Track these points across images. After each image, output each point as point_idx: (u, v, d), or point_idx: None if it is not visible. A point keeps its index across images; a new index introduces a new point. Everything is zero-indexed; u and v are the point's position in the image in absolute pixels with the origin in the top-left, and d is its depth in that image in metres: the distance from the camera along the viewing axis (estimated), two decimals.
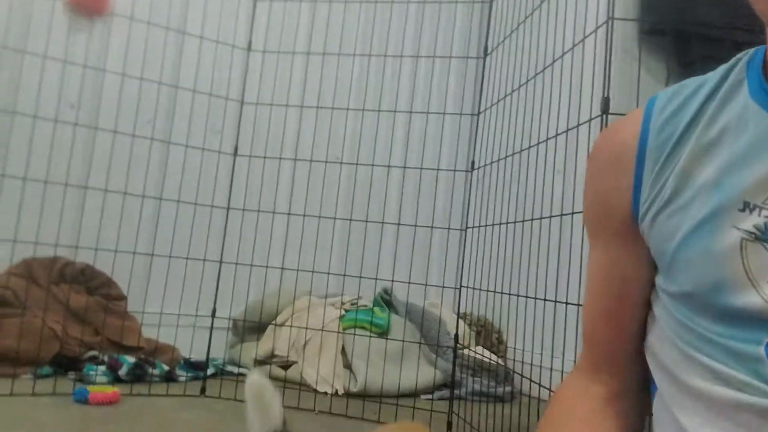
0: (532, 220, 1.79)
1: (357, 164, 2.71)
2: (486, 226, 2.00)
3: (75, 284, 2.43)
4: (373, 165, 2.62)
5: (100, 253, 2.29)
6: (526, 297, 1.63)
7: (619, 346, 0.71)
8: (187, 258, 2.34)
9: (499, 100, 2.00)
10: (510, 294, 1.74)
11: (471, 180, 2.19)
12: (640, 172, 0.65)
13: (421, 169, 2.69)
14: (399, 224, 2.42)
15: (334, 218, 2.56)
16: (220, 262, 2.25)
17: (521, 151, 1.79)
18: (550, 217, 1.66)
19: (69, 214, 2.41)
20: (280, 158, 2.57)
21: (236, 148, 2.43)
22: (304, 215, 2.47)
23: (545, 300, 1.49)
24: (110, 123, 2.61)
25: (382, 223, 2.51)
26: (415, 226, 2.39)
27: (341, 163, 2.85)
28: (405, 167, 2.60)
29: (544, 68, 1.71)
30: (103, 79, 2.66)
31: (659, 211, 0.62)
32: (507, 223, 1.86)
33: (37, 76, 2.52)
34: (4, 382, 1.93)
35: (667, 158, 0.62)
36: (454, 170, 2.79)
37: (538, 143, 1.67)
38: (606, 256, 0.71)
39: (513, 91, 1.92)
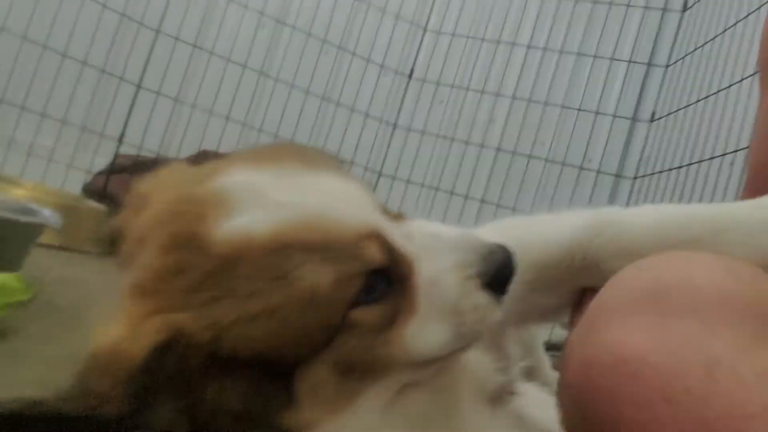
0: (711, 158, 1.88)
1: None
2: (662, 171, 2.11)
3: None
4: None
5: None
6: None
7: None
8: None
9: (696, 48, 2.11)
10: None
11: (649, 130, 2.31)
12: None
13: (596, 114, 2.80)
14: (563, 164, 2.57)
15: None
16: None
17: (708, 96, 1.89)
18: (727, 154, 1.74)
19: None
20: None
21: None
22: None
23: None
24: None
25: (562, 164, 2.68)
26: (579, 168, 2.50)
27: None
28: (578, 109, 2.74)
29: (748, 14, 1.80)
30: None
31: None
32: (682, 166, 1.96)
33: None
34: None
35: None
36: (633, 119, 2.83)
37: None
38: None
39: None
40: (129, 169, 2.44)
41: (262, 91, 2.97)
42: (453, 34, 3.10)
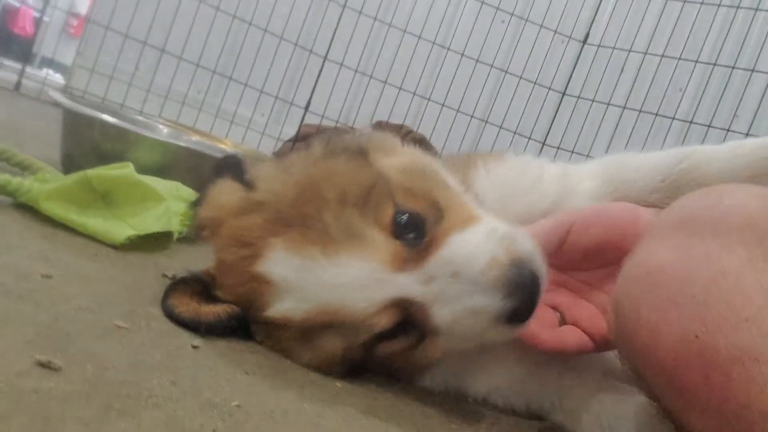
0: None
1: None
2: None
3: None
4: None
5: None
6: None
7: None
8: None
9: None
10: None
11: None
12: None
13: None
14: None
15: None
16: None
17: None
18: None
19: None
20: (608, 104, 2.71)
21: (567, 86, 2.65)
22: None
23: None
24: None
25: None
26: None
27: None
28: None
29: None
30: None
31: None
32: None
33: None
34: None
35: None
36: None
37: None
38: None
39: None
40: (311, 137, 2.75)
41: (436, 61, 3.12)
42: None
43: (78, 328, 0.63)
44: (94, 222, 0.94)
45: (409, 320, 0.70)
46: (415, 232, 0.71)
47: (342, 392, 0.71)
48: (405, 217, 0.71)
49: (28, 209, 0.96)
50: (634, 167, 0.87)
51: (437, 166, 0.82)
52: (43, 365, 0.53)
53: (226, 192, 0.79)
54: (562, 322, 0.79)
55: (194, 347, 0.69)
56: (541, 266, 0.70)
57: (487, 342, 0.72)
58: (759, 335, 0.51)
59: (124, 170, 1.00)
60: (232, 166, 0.81)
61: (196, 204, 0.82)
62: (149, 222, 0.99)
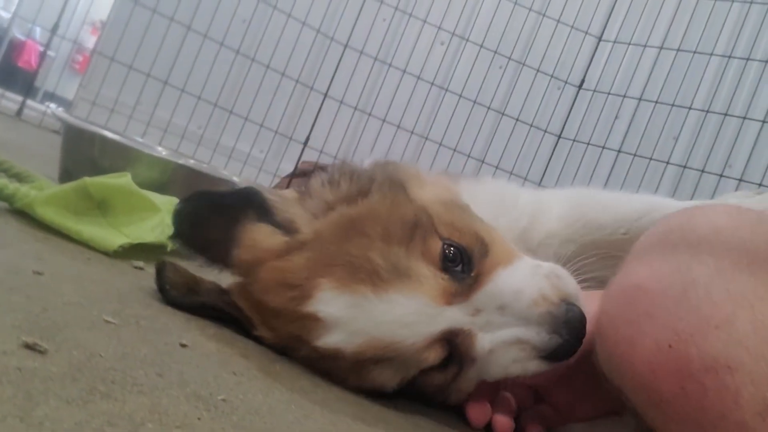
0: None
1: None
2: None
3: None
4: None
5: None
6: None
7: None
8: None
9: None
10: None
11: None
12: None
13: None
14: None
15: None
16: None
17: None
18: None
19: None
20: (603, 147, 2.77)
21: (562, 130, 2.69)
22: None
23: None
24: None
25: None
26: None
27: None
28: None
29: None
30: None
31: None
32: None
33: None
34: None
35: None
36: None
37: None
38: None
39: None
40: (308, 174, 2.77)
41: (434, 102, 3.17)
42: (629, 43, 3.04)
43: (66, 319, 0.62)
44: (90, 230, 0.94)
45: (453, 352, 0.71)
46: (462, 265, 0.72)
47: (332, 397, 0.71)
48: (452, 251, 0.72)
49: (23, 214, 0.96)
50: (602, 207, 0.91)
51: (464, 199, 0.84)
52: (29, 347, 0.52)
53: (264, 235, 0.77)
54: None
55: (183, 345, 0.68)
56: (585, 308, 0.71)
57: (520, 374, 0.73)
58: (730, 343, 0.52)
59: (122, 179, 1.00)
60: (253, 203, 0.79)
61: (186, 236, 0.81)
62: (143, 232, 0.99)
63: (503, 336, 0.70)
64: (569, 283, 0.73)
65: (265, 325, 0.77)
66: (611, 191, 1.00)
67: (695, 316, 0.54)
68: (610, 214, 0.88)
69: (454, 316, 0.69)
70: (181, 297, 0.80)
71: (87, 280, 0.79)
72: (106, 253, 0.94)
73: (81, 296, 0.71)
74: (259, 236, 0.77)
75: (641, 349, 0.57)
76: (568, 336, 0.68)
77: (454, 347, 0.71)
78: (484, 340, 0.70)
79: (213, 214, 0.79)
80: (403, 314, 0.68)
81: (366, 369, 0.71)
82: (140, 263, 0.94)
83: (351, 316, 0.69)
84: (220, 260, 0.79)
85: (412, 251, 0.71)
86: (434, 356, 0.70)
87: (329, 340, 0.71)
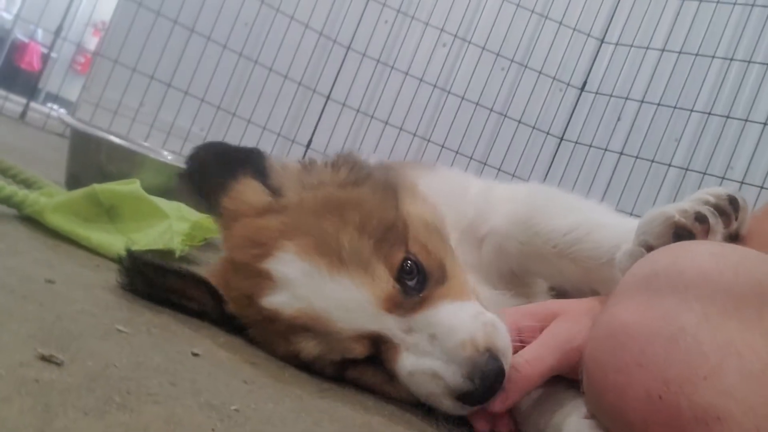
0: None
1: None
2: None
3: None
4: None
5: None
6: None
7: None
8: None
9: None
10: None
11: None
12: None
13: None
14: None
15: None
16: None
17: None
18: None
19: None
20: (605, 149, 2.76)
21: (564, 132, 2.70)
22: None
23: None
24: None
25: None
26: None
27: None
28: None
29: None
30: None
31: None
32: None
33: None
34: None
35: None
36: None
37: None
38: None
39: None
40: None
41: (437, 104, 3.18)
42: (631, 45, 3.05)
43: (80, 328, 0.63)
44: (98, 236, 0.95)
45: (378, 358, 0.75)
46: (417, 283, 0.76)
47: (340, 406, 0.71)
48: (410, 265, 0.76)
49: (33, 221, 0.97)
50: (547, 214, 0.89)
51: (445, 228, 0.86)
52: (45, 359, 0.53)
53: (252, 192, 0.82)
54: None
55: (194, 354, 0.69)
56: (508, 366, 0.72)
57: (435, 407, 0.74)
58: (718, 394, 0.52)
59: (131, 186, 1.01)
60: (256, 163, 0.84)
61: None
62: (151, 238, 0.99)
63: (424, 364, 0.72)
64: (502, 338, 0.73)
65: (227, 286, 0.79)
66: (571, 195, 0.95)
67: (684, 366, 0.54)
68: (548, 225, 0.87)
69: (387, 324, 0.73)
70: (146, 284, 0.81)
71: (97, 287, 0.80)
72: (114, 260, 0.94)
73: (92, 304, 0.72)
74: (247, 191, 0.82)
75: (632, 399, 0.57)
76: (480, 385, 0.70)
77: (378, 353, 0.74)
78: (406, 360, 0.73)
79: (218, 163, 0.85)
80: (346, 299, 0.72)
81: (295, 335, 0.74)
82: None
83: (300, 282, 0.73)
84: (217, 206, 0.84)
85: (378, 250, 0.74)
86: (359, 350, 0.73)
87: (274, 300, 0.74)
